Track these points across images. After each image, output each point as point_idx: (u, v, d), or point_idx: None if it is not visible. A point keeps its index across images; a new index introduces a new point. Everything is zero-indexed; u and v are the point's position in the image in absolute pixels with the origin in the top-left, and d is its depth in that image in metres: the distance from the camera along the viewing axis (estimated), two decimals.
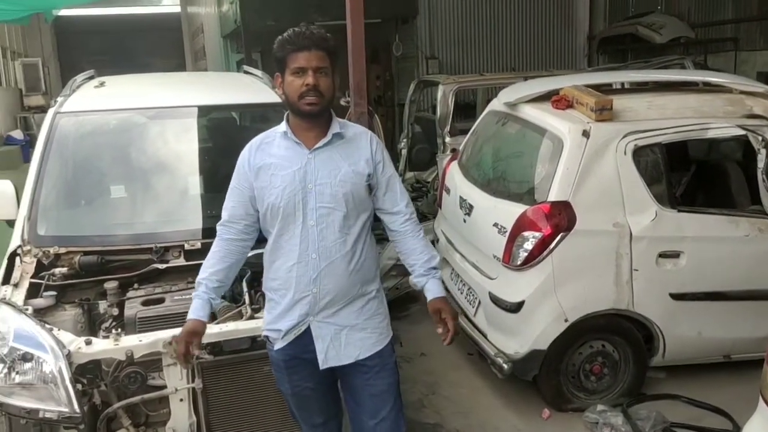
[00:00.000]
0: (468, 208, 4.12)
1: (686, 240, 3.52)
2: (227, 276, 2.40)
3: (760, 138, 3.54)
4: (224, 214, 2.40)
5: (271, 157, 2.30)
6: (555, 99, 3.83)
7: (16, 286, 2.90)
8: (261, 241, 3.38)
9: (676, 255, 3.52)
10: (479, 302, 3.91)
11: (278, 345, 2.35)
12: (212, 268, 2.36)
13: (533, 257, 3.46)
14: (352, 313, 2.33)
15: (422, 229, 2.48)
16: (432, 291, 2.40)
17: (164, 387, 2.67)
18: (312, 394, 2.43)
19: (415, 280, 2.45)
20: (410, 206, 2.46)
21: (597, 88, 3.88)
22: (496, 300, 3.68)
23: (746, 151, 4.02)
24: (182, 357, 2.27)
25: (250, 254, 3.20)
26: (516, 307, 3.54)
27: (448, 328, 2.35)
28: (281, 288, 2.32)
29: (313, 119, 2.26)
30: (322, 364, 2.31)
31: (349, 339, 2.32)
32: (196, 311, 2.31)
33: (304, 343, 2.32)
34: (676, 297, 3.56)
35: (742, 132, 3.57)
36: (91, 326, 2.96)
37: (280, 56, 2.24)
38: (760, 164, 3.54)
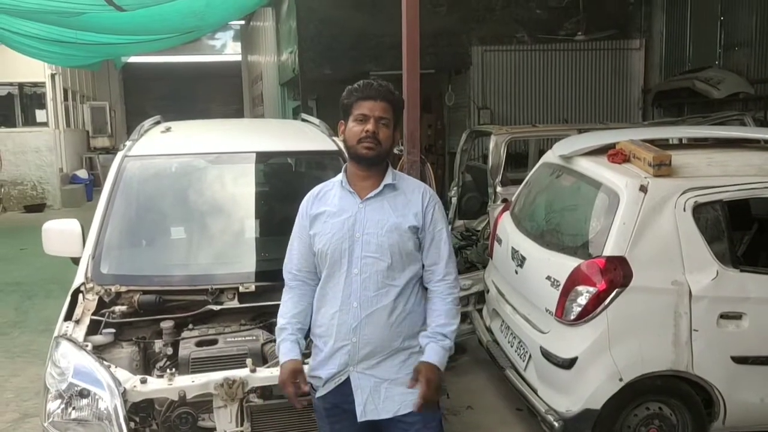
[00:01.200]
0: (520, 260, 4.08)
1: (749, 301, 3.39)
2: (306, 319, 2.42)
3: None
4: (289, 263, 2.45)
5: (326, 205, 2.38)
6: (611, 153, 3.79)
7: (77, 322, 2.99)
8: None
9: (738, 316, 3.39)
10: (530, 356, 3.83)
11: (320, 393, 2.35)
12: (290, 313, 2.40)
13: (587, 312, 3.39)
14: (393, 366, 2.31)
15: (455, 295, 2.38)
16: (427, 354, 2.29)
17: (213, 429, 2.69)
18: None
19: (420, 339, 2.36)
20: (450, 268, 2.38)
21: (652, 143, 3.84)
22: (547, 355, 3.59)
23: None
24: (295, 398, 2.27)
25: None
26: (568, 364, 3.45)
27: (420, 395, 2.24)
28: (324, 335, 2.34)
29: (369, 167, 2.32)
30: (360, 417, 2.29)
31: (388, 393, 2.29)
32: (289, 353, 2.32)
33: (345, 393, 2.32)
34: (738, 360, 3.41)
35: None
36: (146, 364, 3.03)
37: (346, 103, 2.31)
38: None
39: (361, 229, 2.29)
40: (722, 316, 3.38)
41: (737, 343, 3.41)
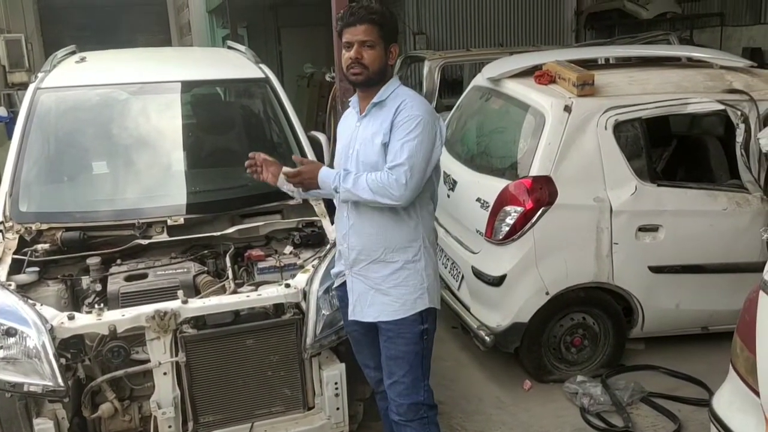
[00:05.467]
0: (452, 184, 4.14)
1: (665, 214, 3.56)
2: None
3: (738, 113, 3.57)
4: None
5: (343, 124, 2.60)
6: (538, 74, 3.84)
7: None
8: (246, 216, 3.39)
9: (655, 229, 3.57)
10: (462, 276, 3.95)
11: (334, 284, 2.66)
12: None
13: (515, 231, 3.50)
14: (380, 276, 2.46)
15: (380, 183, 2.29)
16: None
17: (148, 361, 2.69)
18: (361, 337, 2.65)
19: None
20: (398, 170, 2.27)
21: (582, 63, 3.89)
22: (478, 274, 3.72)
23: (726, 125, 4.05)
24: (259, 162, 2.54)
25: (232, 230, 3.25)
26: (498, 281, 3.58)
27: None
28: (338, 238, 2.61)
29: (362, 89, 2.45)
30: (350, 316, 2.55)
31: (373, 300, 2.48)
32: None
33: (346, 291, 2.58)
34: (655, 270, 3.62)
35: (721, 107, 3.60)
36: (75, 302, 2.97)
37: (338, 33, 2.42)
38: (739, 138, 3.58)
39: (353, 146, 2.45)
40: (640, 229, 3.56)
41: (654, 254, 3.60)
